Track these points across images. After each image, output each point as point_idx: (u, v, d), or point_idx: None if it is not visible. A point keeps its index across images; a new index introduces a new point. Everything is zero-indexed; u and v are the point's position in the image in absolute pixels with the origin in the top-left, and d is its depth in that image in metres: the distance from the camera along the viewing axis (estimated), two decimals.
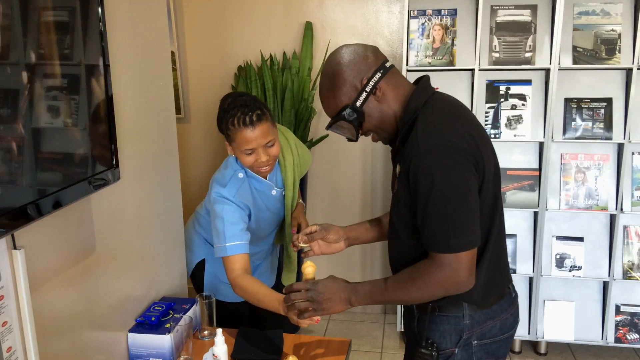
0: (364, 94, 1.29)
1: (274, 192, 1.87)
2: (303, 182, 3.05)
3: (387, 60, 1.34)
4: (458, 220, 1.20)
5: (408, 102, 1.31)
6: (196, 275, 2.03)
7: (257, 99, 1.70)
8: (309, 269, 1.50)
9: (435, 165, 1.19)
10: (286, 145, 1.93)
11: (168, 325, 1.60)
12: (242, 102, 1.65)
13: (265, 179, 1.84)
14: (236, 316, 2.03)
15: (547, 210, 2.76)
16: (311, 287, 1.38)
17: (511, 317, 1.40)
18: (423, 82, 1.35)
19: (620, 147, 2.72)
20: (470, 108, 2.73)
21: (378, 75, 1.30)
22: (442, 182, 1.18)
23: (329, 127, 1.37)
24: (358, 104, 1.30)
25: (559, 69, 2.67)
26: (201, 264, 2.03)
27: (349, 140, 1.40)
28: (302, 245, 1.61)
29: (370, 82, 1.29)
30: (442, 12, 2.79)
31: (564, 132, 2.74)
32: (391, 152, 1.41)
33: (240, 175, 1.78)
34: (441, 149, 1.19)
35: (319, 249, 1.66)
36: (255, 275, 2.10)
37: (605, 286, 2.81)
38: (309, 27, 3.10)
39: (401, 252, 1.38)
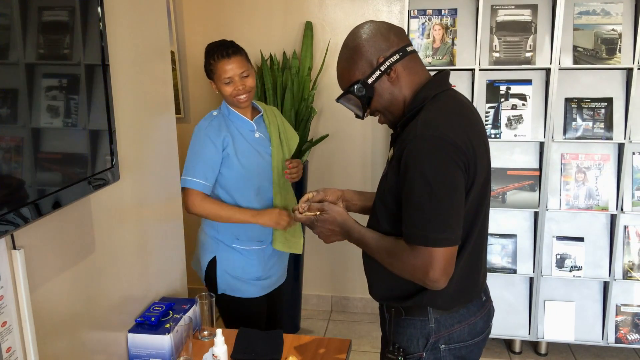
0: (378, 72, 1.28)
1: (257, 135, 2.02)
2: (302, 180, 3.05)
3: (410, 45, 1.32)
4: (440, 215, 1.18)
5: (419, 90, 1.30)
6: (209, 274, 2.03)
7: (234, 42, 2.00)
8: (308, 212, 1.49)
9: (428, 155, 1.18)
10: (271, 112, 2.12)
11: (168, 325, 1.60)
12: (220, 43, 1.98)
13: (250, 120, 2.03)
14: (255, 312, 2.04)
15: (547, 210, 2.76)
16: (319, 217, 1.41)
17: (481, 320, 1.37)
18: (440, 76, 1.34)
19: (621, 147, 2.71)
20: None
21: (396, 56, 1.28)
22: (431, 173, 1.17)
23: (338, 99, 1.37)
24: (370, 81, 1.29)
25: (560, 69, 2.67)
26: (212, 263, 2.03)
27: (356, 116, 1.39)
28: (308, 214, 1.48)
29: (387, 62, 1.28)
30: (443, 12, 2.79)
31: (565, 132, 2.74)
32: (391, 135, 1.40)
33: (215, 113, 2.03)
34: (437, 141, 1.18)
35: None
36: (268, 275, 2.09)
37: (606, 286, 2.81)
38: (309, 27, 3.10)
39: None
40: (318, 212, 1.43)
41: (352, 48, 1.31)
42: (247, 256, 2.02)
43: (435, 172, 1.17)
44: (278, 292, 2.20)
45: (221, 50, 1.94)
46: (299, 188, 3.02)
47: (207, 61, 1.98)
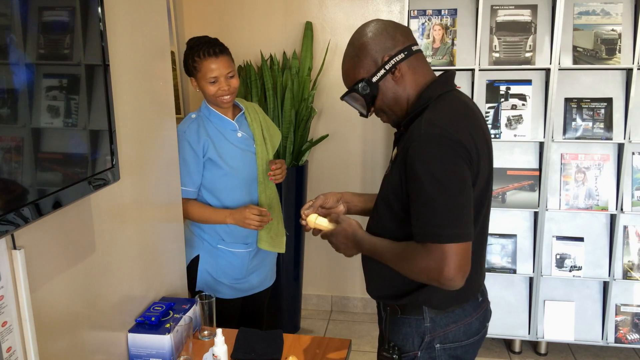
0: (382, 71, 1.28)
1: (239, 135, 2.00)
2: (302, 180, 3.05)
3: (416, 44, 1.32)
4: (451, 211, 1.17)
5: (424, 90, 1.30)
6: (189, 271, 2.05)
7: (219, 40, 1.96)
8: (319, 221, 1.48)
9: (434, 153, 1.18)
10: (252, 109, 2.10)
11: (168, 325, 1.60)
12: (205, 40, 1.93)
13: (232, 119, 2.01)
14: (228, 313, 2.05)
15: (547, 210, 2.76)
16: (327, 235, 1.43)
17: (476, 321, 1.37)
18: (445, 76, 1.34)
19: (621, 147, 2.71)
20: None
21: (401, 55, 1.28)
22: (439, 170, 1.17)
23: (342, 97, 1.36)
24: (374, 79, 1.29)
25: (559, 69, 2.67)
26: (195, 260, 2.05)
27: (361, 115, 1.39)
28: (322, 224, 1.48)
29: (392, 61, 1.28)
30: (442, 12, 2.79)
31: (564, 132, 2.74)
32: (394, 134, 1.40)
33: (193, 116, 2.00)
34: (442, 139, 1.18)
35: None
36: (254, 276, 2.11)
37: (606, 286, 2.81)
38: (309, 27, 3.10)
39: (381, 237, 1.35)
40: (335, 224, 1.44)
41: (357, 46, 1.31)
42: (229, 258, 2.04)
43: (443, 168, 1.17)
44: (260, 297, 2.19)
45: (208, 48, 1.89)
46: (299, 190, 3.02)
47: (190, 57, 1.92)
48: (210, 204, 2.01)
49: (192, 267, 2.05)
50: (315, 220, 1.49)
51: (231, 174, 1.97)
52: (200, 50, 1.90)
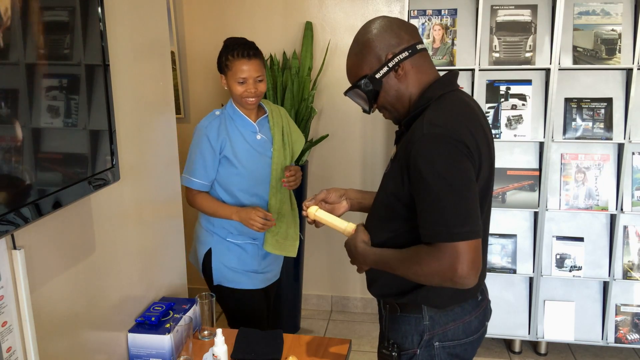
0: (385, 69, 1.29)
1: (258, 137, 2.03)
2: (302, 180, 3.05)
3: (421, 43, 1.32)
4: (460, 209, 1.16)
5: (426, 89, 1.30)
6: (205, 266, 2.07)
7: (255, 44, 2.00)
8: (319, 213, 1.50)
9: (438, 152, 1.17)
10: (278, 113, 2.12)
11: (168, 325, 1.60)
12: (242, 41, 1.99)
13: (253, 121, 2.03)
14: (250, 305, 2.07)
15: (547, 210, 2.76)
16: (345, 242, 1.43)
17: (476, 320, 1.37)
18: (448, 76, 1.34)
19: (621, 147, 2.71)
20: None
21: (405, 53, 1.28)
22: (443, 169, 1.16)
23: (346, 93, 1.37)
24: (377, 76, 1.29)
25: (559, 69, 2.67)
26: (208, 254, 2.06)
27: (364, 111, 1.39)
28: (317, 215, 1.51)
29: (395, 59, 1.28)
30: (442, 12, 2.79)
31: (564, 132, 2.74)
32: (395, 132, 1.40)
33: (217, 113, 2.04)
34: (444, 138, 1.18)
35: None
36: (265, 263, 2.13)
37: (606, 286, 2.81)
38: (309, 27, 3.10)
39: (379, 236, 1.35)
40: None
41: (362, 43, 1.31)
42: (242, 248, 2.06)
43: (448, 166, 1.17)
44: (272, 289, 2.23)
45: (242, 49, 1.94)
46: (299, 189, 3.02)
47: (224, 55, 1.97)
48: (222, 199, 2.03)
49: (207, 261, 2.05)
50: (315, 212, 1.50)
51: (244, 174, 1.99)
52: (235, 50, 1.94)
